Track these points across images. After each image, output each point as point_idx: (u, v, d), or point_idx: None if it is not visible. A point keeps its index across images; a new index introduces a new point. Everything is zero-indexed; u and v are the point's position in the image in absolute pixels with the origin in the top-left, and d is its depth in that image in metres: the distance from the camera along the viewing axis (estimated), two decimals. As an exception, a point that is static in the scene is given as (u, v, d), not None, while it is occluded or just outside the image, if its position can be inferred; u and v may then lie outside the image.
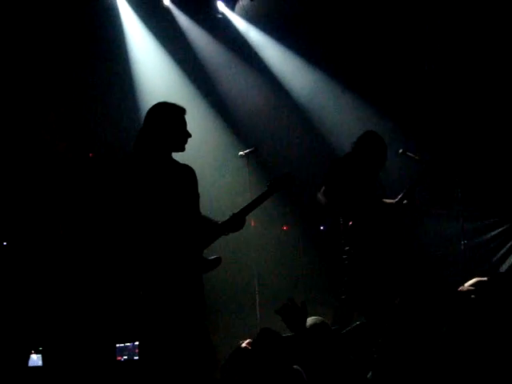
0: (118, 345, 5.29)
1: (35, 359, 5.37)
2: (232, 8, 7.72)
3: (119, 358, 5.28)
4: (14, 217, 6.37)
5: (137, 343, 5.21)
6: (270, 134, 7.72)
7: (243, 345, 4.38)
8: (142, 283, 3.72)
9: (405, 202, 5.57)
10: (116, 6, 7.09)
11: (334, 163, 5.67)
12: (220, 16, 7.69)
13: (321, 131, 7.79)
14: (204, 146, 7.04)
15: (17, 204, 6.38)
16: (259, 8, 7.66)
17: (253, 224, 6.24)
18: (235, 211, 4.02)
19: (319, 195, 5.55)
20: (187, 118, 3.95)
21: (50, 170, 6.56)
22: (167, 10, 7.51)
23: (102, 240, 6.01)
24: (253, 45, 7.86)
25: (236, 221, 3.99)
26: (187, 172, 3.97)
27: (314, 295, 6.96)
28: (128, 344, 5.28)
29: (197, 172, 4.01)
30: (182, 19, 7.59)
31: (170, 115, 3.88)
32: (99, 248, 6.25)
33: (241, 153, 5.78)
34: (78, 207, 6.49)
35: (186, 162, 4.02)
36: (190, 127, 3.94)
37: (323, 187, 5.56)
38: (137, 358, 5.22)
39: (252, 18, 7.76)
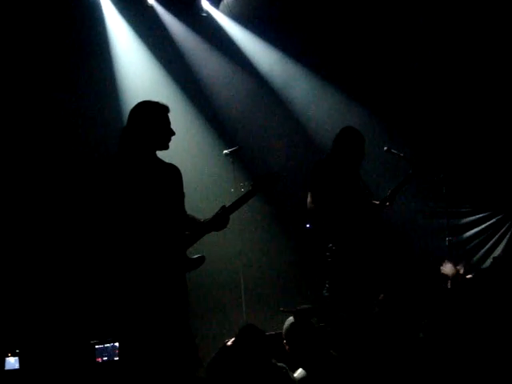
0: (97, 346, 5.27)
1: (12, 362, 5.32)
2: (216, 6, 7.71)
3: (98, 359, 5.26)
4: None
5: (116, 344, 5.19)
6: (255, 131, 7.70)
7: (229, 343, 4.39)
8: (124, 282, 3.70)
9: (387, 204, 5.64)
10: (99, 3, 7.06)
11: (316, 166, 5.68)
12: (204, 15, 7.67)
13: (306, 128, 7.78)
14: (188, 145, 7.03)
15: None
16: (243, 5, 7.65)
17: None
18: (218, 210, 4.03)
19: (308, 202, 5.58)
20: (171, 116, 3.95)
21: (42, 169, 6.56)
22: (151, 9, 7.48)
23: (83, 239, 6.00)
24: (236, 42, 7.84)
25: (220, 219, 3.99)
26: (172, 171, 3.96)
27: (298, 292, 6.98)
28: (107, 345, 5.26)
29: (181, 171, 4.01)
30: (166, 17, 7.56)
31: (153, 113, 3.87)
32: (79, 247, 6.23)
33: (225, 151, 5.77)
34: (61, 207, 6.48)
35: (171, 161, 4.02)
36: (173, 125, 3.94)
37: (310, 193, 5.60)
38: (116, 358, 5.20)
39: (235, 15, 7.75)
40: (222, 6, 7.70)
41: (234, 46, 7.84)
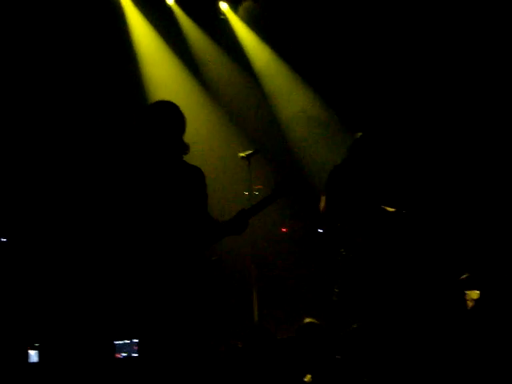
0: (116, 342, 5.30)
1: (32, 355, 5.37)
2: (235, 9, 7.73)
3: (118, 356, 5.30)
4: (15, 213, 6.43)
5: (136, 340, 5.23)
6: (272, 135, 7.74)
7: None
8: (142, 281, 3.74)
9: (404, 211, 5.67)
10: (120, 4, 7.14)
11: (331, 171, 5.74)
12: (222, 17, 7.70)
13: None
14: (208, 147, 7.10)
15: (18, 201, 6.44)
16: (262, 11, 7.66)
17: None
18: (237, 214, 4.04)
19: (321, 207, 5.64)
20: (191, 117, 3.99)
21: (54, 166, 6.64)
22: (170, 9, 7.53)
23: (103, 237, 6.04)
24: (246, 48, 7.85)
25: (239, 223, 4.01)
26: (195, 173, 3.97)
27: (310, 297, 7.00)
28: (127, 341, 5.30)
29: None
30: (184, 18, 7.61)
31: (177, 120, 3.91)
32: (99, 245, 6.29)
33: (241, 154, 5.78)
34: (80, 204, 6.56)
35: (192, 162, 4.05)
36: (194, 128, 3.97)
37: (323, 198, 5.65)
38: (135, 355, 5.25)
39: (252, 20, 7.76)
40: (240, 9, 7.72)
41: (244, 51, 7.85)
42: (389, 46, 7.37)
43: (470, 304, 4.75)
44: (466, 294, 5.05)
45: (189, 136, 4.00)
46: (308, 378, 4.45)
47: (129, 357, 5.30)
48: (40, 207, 6.49)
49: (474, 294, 5.07)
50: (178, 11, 7.55)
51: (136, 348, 5.25)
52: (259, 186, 6.57)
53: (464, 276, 4.68)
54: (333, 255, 5.75)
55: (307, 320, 4.73)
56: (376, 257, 5.68)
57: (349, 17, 7.42)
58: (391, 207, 5.69)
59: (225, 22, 7.73)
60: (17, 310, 5.78)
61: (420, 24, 7.17)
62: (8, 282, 5.96)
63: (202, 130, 7.35)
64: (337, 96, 7.60)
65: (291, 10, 7.50)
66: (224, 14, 7.70)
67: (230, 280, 6.83)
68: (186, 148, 3.94)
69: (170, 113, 3.91)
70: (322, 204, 5.66)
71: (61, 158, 6.73)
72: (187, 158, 4.02)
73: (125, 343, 5.30)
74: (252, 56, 7.84)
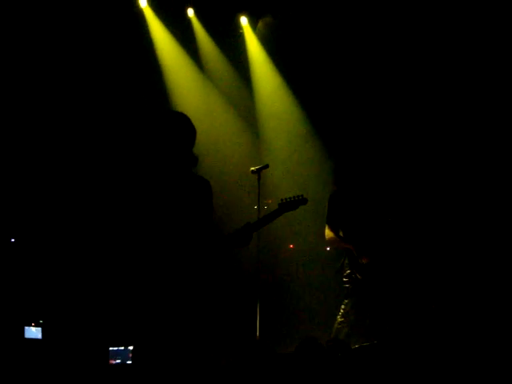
0: (111, 348, 5.32)
1: (35, 332, 5.42)
2: (254, 25, 7.77)
3: (112, 362, 5.31)
4: (21, 214, 6.51)
5: (130, 347, 5.25)
6: (284, 151, 7.78)
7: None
8: (144, 289, 3.76)
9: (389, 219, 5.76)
10: (143, 15, 7.29)
11: (330, 199, 5.92)
12: (241, 32, 7.75)
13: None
14: (221, 158, 7.19)
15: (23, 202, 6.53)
16: (279, 28, 7.70)
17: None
18: (242, 226, 4.07)
19: (326, 234, 5.78)
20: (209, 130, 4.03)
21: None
22: (190, 21, 7.61)
23: (108, 245, 6.10)
24: (254, 66, 7.88)
25: (243, 236, 4.03)
26: (202, 185, 4.00)
27: (316, 315, 6.98)
28: (121, 348, 5.31)
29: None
30: (202, 31, 7.68)
31: (187, 131, 3.95)
32: (102, 252, 6.34)
33: (252, 168, 5.82)
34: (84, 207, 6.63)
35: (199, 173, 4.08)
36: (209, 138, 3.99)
37: (326, 225, 5.83)
38: (129, 362, 5.26)
39: (268, 37, 7.79)
40: (259, 25, 7.76)
41: (252, 69, 7.89)
42: (385, 65, 7.40)
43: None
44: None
45: (203, 147, 4.04)
46: None
47: (123, 364, 5.30)
48: (48, 211, 6.58)
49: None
50: (196, 24, 7.62)
51: (130, 355, 5.26)
52: (269, 201, 6.59)
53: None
54: (341, 276, 5.84)
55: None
56: (383, 276, 5.75)
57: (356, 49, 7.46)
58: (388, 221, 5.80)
59: (242, 37, 7.77)
60: (16, 309, 5.84)
61: (414, 38, 7.20)
62: (10, 281, 6.03)
63: (218, 141, 7.46)
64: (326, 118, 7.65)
65: (306, 32, 7.54)
66: (242, 29, 7.75)
67: (235, 292, 6.84)
68: (194, 160, 3.97)
69: (180, 124, 3.94)
70: (327, 232, 5.82)
71: (74, 163, 6.83)
72: (200, 169, 4.06)
73: (119, 350, 5.31)
74: (258, 74, 7.87)
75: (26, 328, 5.42)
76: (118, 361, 5.32)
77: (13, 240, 6.28)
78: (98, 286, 6.30)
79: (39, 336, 5.44)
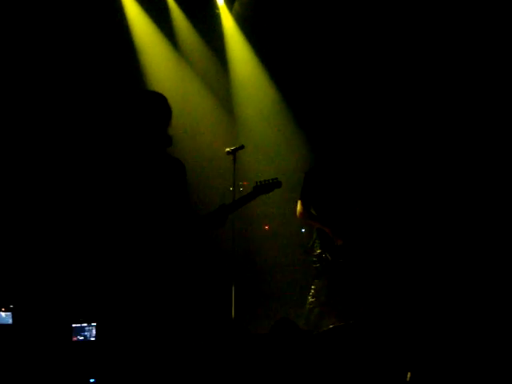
0: (74, 325, 5.31)
1: (4, 317, 5.39)
2: (231, 5, 7.70)
3: (75, 339, 5.30)
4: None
5: (94, 324, 5.26)
6: (260, 132, 7.77)
7: None
8: (114, 268, 3.74)
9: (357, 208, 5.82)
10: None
11: (305, 176, 5.90)
12: (217, 12, 7.68)
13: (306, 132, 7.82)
14: (197, 139, 7.16)
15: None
16: (254, 10, 7.64)
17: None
18: (217, 208, 4.08)
19: (297, 210, 5.82)
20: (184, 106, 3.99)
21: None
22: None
23: (77, 223, 6.07)
24: (229, 46, 7.82)
25: (218, 218, 4.03)
26: (176, 165, 3.97)
27: (290, 296, 7.03)
28: (84, 324, 5.31)
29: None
30: (177, 9, 7.59)
31: (163, 111, 3.90)
32: (71, 230, 6.32)
33: (227, 149, 5.81)
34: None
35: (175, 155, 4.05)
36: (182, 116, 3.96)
37: (299, 201, 5.86)
38: (93, 339, 5.27)
39: (243, 18, 7.73)
40: (235, 5, 7.70)
41: (228, 49, 7.82)
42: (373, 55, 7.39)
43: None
44: None
45: (178, 127, 4.02)
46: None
47: (86, 340, 5.30)
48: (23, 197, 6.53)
49: None
50: (172, 2, 7.53)
51: (94, 332, 5.27)
52: (244, 183, 6.59)
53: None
54: (310, 256, 5.88)
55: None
56: (356, 258, 5.80)
57: (335, 30, 7.43)
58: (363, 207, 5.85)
59: (218, 17, 7.70)
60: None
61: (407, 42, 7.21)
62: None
63: (192, 122, 7.41)
64: (303, 102, 7.64)
65: (283, 12, 7.49)
66: (218, 9, 7.67)
67: (210, 273, 6.86)
68: (169, 140, 3.94)
69: (156, 103, 3.91)
70: (299, 207, 5.85)
71: (47, 143, 6.74)
72: (174, 150, 4.03)
73: (82, 326, 5.30)
74: (234, 55, 7.82)
75: None
76: (82, 338, 5.30)
77: None
78: (63, 262, 6.29)
79: (10, 321, 5.39)
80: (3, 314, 5.36)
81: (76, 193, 6.34)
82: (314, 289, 5.79)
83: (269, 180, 4.57)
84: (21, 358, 5.05)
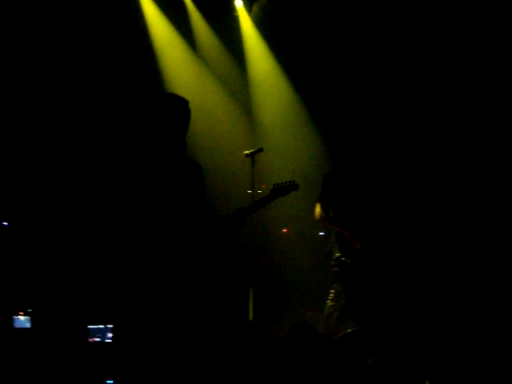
0: (90, 326, 5.32)
1: (23, 321, 5.42)
2: (249, 7, 7.69)
3: (91, 340, 5.31)
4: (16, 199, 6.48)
5: (110, 326, 5.27)
6: (279, 135, 7.75)
7: None
8: (133, 271, 3.74)
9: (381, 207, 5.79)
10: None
11: (324, 178, 5.92)
12: (236, 14, 7.67)
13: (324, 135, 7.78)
14: (216, 142, 7.16)
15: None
16: (273, 12, 7.62)
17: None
18: (234, 211, 4.07)
19: (316, 213, 5.79)
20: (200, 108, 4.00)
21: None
22: (184, 2, 7.54)
23: (96, 227, 6.09)
24: (248, 50, 7.80)
25: (235, 220, 4.02)
26: (193, 167, 3.97)
27: (309, 299, 7.00)
28: (101, 326, 5.32)
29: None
30: (196, 13, 7.60)
31: (184, 114, 3.91)
32: (90, 235, 6.34)
33: (246, 152, 5.79)
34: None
35: (193, 157, 4.06)
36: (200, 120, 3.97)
37: (317, 204, 5.80)
38: (109, 340, 5.27)
39: (262, 21, 7.72)
40: (254, 7, 7.68)
41: (246, 53, 7.81)
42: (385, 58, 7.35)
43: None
44: None
45: (197, 130, 4.01)
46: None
47: (102, 342, 5.31)
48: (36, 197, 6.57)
49: None
50: (190, 5, 7.54)
51: (110, 334, 5.27)
52: (263, 185, 6.58)
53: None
54: (332, 260, 5.84)
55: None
56: (376, 262, 5.76)
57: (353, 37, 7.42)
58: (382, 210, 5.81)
59: (237, 20, 7.70)
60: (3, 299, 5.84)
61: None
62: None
63: (211, 124, 7.42)
64: (323, 106, 7.62)
65: (301, 15, 7.47)
66: (237, 12, 7.67)
67: (228, 276, 6.84)
68: (185, 143, 3.95)
69: (177, 106, 3.92)
70: (318, 210, 5.82)
71: (65, 148, 6.78)
72: (193, 153, 4.04)
73: (99, 328, 5.31)
74: (252, 58, 7.81)
75: (15, 318, 5.40)
76: (98, 339, 5.32)
77: (5, 223, 6.25)
78: (81, 265, 6.31)
79: (28, 325, 5.43)
80: (22, 317, 5.39)
81: (96, 196, 6.36)
82: (333, 293, 5.75)
83: (286, 182, 4.55)
84: (39, 360, 5.07)
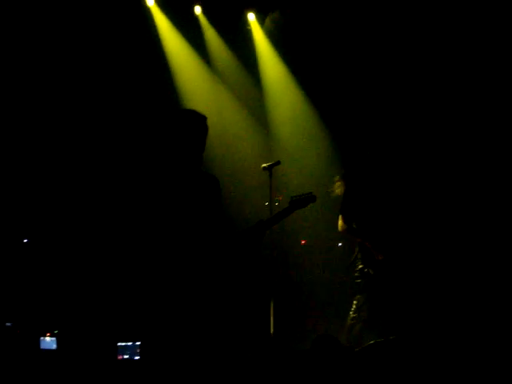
0: (119, 344, 5.32)
1: (49, 342, 5.44)
2: (262, 21, 7.73)
3: (120, 357, 5.31)
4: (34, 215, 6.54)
5: (138, 343, 5.26)
6: (295, 146, 7.76)
7: None
8: (150, 285, 3.75)
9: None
10: (151, 14, 7.31)
11: (345, 191, 5.92)
12: (249, 28, 7.71)
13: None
14: (233, 155, 7.19)
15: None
16: (287, 25, 7.65)
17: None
18: (255, 224, 4.07)
19: (339, 225, 5.77)
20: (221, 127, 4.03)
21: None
22: (197, 18, 7.60)
23: (117, 240, 6.12)
24: (261, 63, 7.83)
25: (255, 233, 4.02)
26: (211, 181, 4.00)
27: (330, 312, 6.96)
28: (129, 343, 5.31)
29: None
30: (209, 28, 7.66)
31: (202, 130, 3.94)
32: (111, 247, 6.37)
33: (263, 165, 5.80)
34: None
35: (210, 170, 4.07)
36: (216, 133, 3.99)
37: (340, 216, 5.83)
38: (137, 357, 5.27)
39: (275, 33, 7.75)
40: (267, 21, 7.72)
41: (259, 65, 7.84)
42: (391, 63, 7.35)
43: None
44: None
45: (214, 144, 4.03)
46: None
47: (130, 359, 5.31)
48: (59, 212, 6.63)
49: None
50: (204, 21, 7.60)
51: (138, 351, 5.27)
52: (279, 197, 6.57)
53: None
54: (352, 271, 5.82)
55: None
56: (397, 273, 5.73)
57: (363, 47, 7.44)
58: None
59: (250, 33, 7.75)
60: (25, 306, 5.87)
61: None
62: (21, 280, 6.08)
63: (228, 139, 7.45)
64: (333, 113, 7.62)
65: (313, 28, 7.50)
66: (250, 25, 7.71)
67: (248, 289, 6.83)
68: (201, 158, 3.97)
69: (193, 121, 3.94)
70: (340, 222, 5.81)
71: (84, 164, 6.85)
72: (211, 166, 4.06)
73: (127, 345, 5.31)
74: (266, 71, 7.86)
75: (42, 339, 5.43)
76: (126, 356, 5.32)
77: (25, 240, 6.31)
78: (108, 282, 6.33)
79: (54, 346, 5.46)
80: (48, 339, 5.41)
81: (116, 211, 6.40)
82: (355, 304, 5.71)
83: (303, 194, 4.51)
84: (65, 380, 5.09)
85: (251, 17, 7.67)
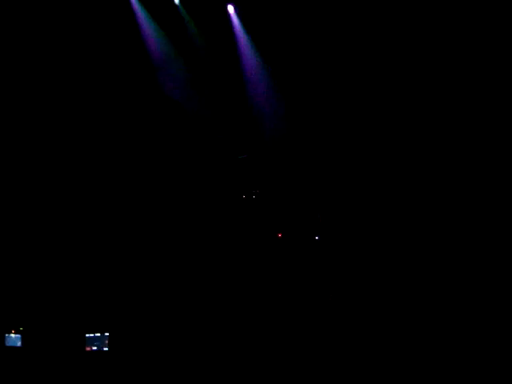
0: (87, 335, 5.29)
1: (14, 339, 5.38)
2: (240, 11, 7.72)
3: (88, 349, 5.27)
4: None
5: (107, 334, 5.23)
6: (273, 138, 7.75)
7: None
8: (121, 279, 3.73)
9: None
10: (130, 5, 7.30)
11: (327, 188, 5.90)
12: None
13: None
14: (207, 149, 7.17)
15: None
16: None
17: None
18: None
19: (318, 216, 5.80)
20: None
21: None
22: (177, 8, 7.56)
23: (99, 234, 6.08)
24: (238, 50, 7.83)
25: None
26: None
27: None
28: (98, 334, 5.28)
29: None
30: (188, 18, 7.64)
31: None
32: (93, 241, 6.32)
33: (239, 156, 5.80)
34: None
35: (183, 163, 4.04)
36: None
37: (319, 208, 5.78)
38: (106, 349, 5.24)
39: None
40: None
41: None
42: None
43: None
44: None
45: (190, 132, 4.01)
46: None
47: (99, 350, 5.28)
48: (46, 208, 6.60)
49: None
50: (183, 11, 7.57)
51: (107, 342, 5.24)
52: (257, 191, 6.58)
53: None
54: (327, 261, 5.87)
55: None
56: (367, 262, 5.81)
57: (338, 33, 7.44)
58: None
59: (229, 24, 7.72)
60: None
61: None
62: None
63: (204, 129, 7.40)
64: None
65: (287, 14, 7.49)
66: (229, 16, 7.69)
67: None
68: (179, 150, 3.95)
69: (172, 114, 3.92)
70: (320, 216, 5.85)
71: (76, 163, 6.82)
72: (185, 160, 4.03)
73: (96, 336, 5.27)
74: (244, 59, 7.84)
75: (7, 336, 5.37)
76: (95, 348, 5.28)
77: None
78: (77, 273, 6.29)
79: (19, 344, 5.40)
80: (13, 335, 5.35)
81: (92, 200, 6.35)
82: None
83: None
84: (32, 375, 5.05)
85: (231, 9, 7.66)
